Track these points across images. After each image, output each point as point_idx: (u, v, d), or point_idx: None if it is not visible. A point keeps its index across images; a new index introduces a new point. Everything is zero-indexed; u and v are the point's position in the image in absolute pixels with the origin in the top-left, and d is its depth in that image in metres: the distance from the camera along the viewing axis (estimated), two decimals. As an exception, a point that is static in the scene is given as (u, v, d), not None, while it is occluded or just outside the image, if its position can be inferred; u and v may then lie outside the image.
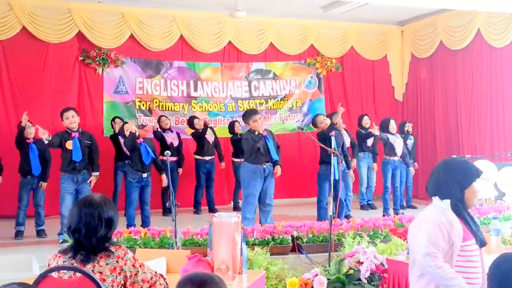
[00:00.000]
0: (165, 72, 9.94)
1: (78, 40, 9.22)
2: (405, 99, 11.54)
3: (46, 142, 6.44)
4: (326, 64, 10.99)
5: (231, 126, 9.53)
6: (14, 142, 7.35)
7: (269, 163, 6.87)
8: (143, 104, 9.73)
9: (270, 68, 10.71)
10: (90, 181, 6.70)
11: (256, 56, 10.59)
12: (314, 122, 8.26)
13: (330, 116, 8.26)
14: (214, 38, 10.17)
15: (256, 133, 6.82)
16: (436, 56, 10.65)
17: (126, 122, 7.51)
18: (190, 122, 9.32)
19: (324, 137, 7.36)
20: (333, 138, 6.94)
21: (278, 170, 6.91)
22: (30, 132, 7.20)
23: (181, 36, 9.89)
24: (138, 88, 9.70)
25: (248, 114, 6.99)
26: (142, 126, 9.53)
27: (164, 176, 7.27)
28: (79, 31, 9.10)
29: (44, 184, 7.28)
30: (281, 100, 10.75)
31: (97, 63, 9.27)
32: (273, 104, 10.66)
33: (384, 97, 11.51)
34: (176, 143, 9.00)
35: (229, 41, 10.28)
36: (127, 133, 7.20)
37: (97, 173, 6.82)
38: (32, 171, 7.12)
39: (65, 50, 9.12)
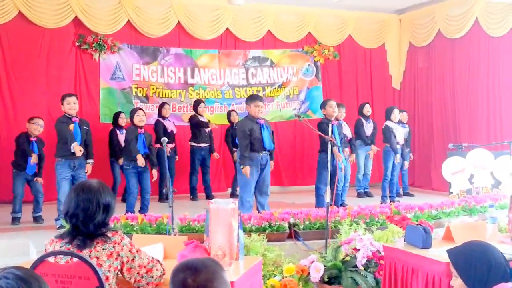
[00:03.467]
0: (162, 59, 9.89)
1: (75, 26, 9.15)
2: (402, 87, 11.53)
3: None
4: (324, 52, 10.95)
5: (228, 115, 9.51)
6: (15, 138, 7.23)
7: (265, 152, 6.86)
8: (139, 91, 9.69)
9: (267, 56, 10.68)
10: (87, 170, 6.69)
11: (253, 44, 10.54)
12: (323, 105, 7.89)
13: (323, 104, 8.11)
14: (212, 25, 10.11)
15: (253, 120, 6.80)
16: (434, 45, 10.63)
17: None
18: (196, 105, 9.21)
19: (323, 126, 7.34)
20: (334, 127, 6.90)
21: (271, 165, 6.99)
22: (35, 129, 7.11)
23: (178, 22, 9.83)
24: (135, 75, 9.66)
25: (253, 98, 6.93)
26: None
27: (154, 171, 7.22)
28: (76, 16, 9.02)
29: (40, 180, 7.20)
30: (278, 87, 10.73)
31: (94, 49, 9.21)
32: (270, 92, 10.63)
33: (381, 86, 11.49)
34: (174, 131, 8.97)
35: (227, 28, 10.23)
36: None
37: (92, 161, 6.77)
38: (27, 170, 7.01)
39: (62, 36, 9.03)
